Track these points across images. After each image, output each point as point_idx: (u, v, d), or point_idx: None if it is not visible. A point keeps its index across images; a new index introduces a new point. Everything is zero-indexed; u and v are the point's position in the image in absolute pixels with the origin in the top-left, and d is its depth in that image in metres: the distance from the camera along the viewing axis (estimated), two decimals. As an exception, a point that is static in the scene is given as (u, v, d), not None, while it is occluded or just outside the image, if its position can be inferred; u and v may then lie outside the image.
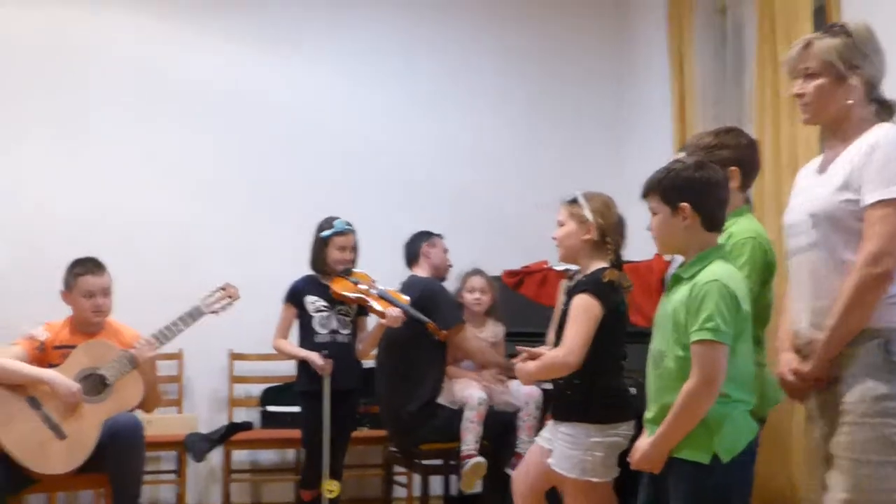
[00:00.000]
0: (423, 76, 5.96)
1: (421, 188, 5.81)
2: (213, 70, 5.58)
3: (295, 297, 4.31)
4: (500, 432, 4.35)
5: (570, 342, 2.99)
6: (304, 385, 4.31)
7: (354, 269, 4.31)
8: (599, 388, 3.03)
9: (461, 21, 6.03)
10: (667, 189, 2.64)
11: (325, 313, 4.25)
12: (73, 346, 3.82)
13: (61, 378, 3.69)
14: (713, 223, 2.64)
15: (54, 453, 3.61)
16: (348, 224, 4.34)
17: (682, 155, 2.91)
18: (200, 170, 5.53)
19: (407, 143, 5.89)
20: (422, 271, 4.63)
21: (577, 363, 2.98)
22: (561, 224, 3.20)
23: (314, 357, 4.15)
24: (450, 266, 4.75)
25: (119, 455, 3.63)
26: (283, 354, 4.45)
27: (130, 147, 5.42)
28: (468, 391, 4.34)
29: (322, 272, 4.31)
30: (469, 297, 4.62)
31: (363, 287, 4.21)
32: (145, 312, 4.00)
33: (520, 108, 6.09)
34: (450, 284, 4.75)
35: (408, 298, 4.30)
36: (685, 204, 2.61)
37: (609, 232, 3.17)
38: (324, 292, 4.26)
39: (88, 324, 3.91)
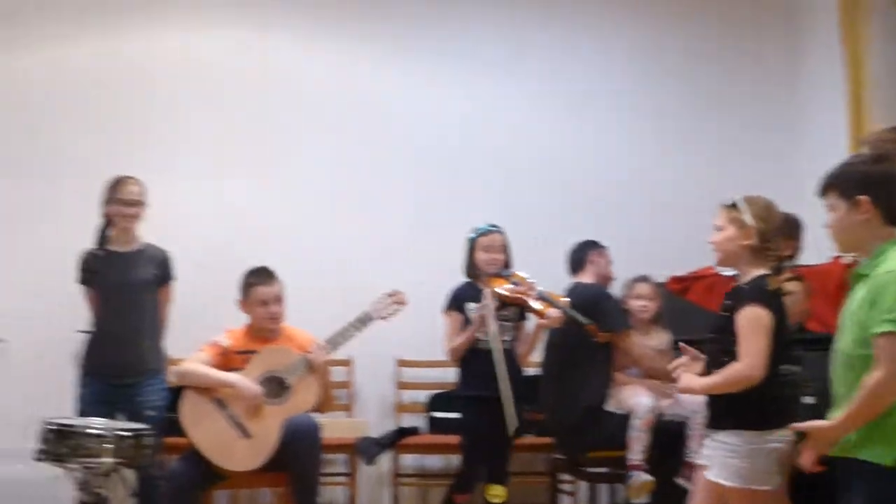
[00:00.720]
0: (579, 82, 5.95)
1: (579, 196, 5.79)
2: (381, 90, 5.78)
3: (456, 303, 4.31)
4: (669, 441, 4.27)
5: (752, 356, 2.91)
6: (464, 389, 4.32)
7: (514, 272, 4.27)
8: (756, 394, 2.94)
9: (618, 23, 5.99)
10: (844, 183, 2.57)
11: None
12: (253, 352, 4.03)
13: (245, 381, 3.90)
14: (894, 216, 2.55)
15: (240, 451, 3.82)
16: (492, 225, 4.33)
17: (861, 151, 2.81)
18: (369, 185, 5.73)
19: (564, 150, 5.88)
20: (586, 278, 4.62)
21: (761, 376, 2.91)
22: (719, 228, 3.12)
23: (492, 326, 4.07)
24: (613, 279, 4.73)
25: (300, 454, 3.79)
26: (455, 355, 4.33)
27: (309, 166, 5.70)
28: (636, 398, 4.29)
29: (475, 277, 4.31)
30: (635, 304, 4.58)
31: (521, 288, 4.20)
32: (319, 321, 4.15)
33: (682, 111, 5.98)
34: (613, 292, 4.72)
35: (567, 299, 4.27)
36: (864, 197, 2.53)
37: (770, 237, 3.07)
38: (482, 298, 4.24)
39: (265, 330, 4.11)
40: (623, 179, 5.86)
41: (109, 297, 4.33)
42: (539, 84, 5.92)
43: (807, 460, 2.64)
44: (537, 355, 4.61)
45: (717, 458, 2.98)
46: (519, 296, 4.15)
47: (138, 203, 4.36)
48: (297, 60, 5.75)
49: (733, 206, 3.10)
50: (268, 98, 5.72)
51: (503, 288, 4.17)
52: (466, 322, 4.30)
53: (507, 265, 4.27)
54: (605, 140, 5.91)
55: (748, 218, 3.05)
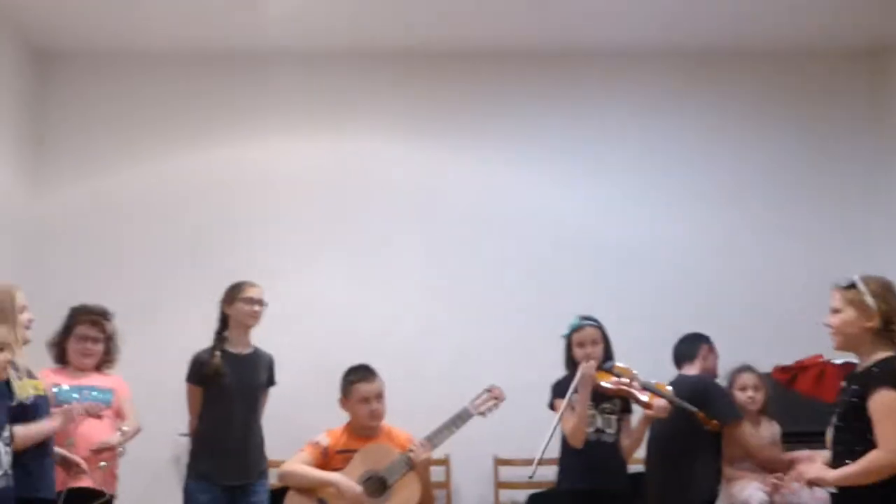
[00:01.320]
0: (665, 172, 6.01)
1: (673, 287, 5.78)
2: (481, 190, 5.94)
3: (561, 391, 4.14)
4: (786, 538, 4.08)
5: (892, 442, 2.80)
6: (567, 483, 4.14)
7: (616, 364, 4.17)
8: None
9: (724, 125, 6.05)
10: None
11: (589, 412, 4.09)
12: (353, 450, 4.01)
13: (346, 480, 3.87)
14: None
15: (344, 551, 3.76)
16: (586, 318, 4.23)
17: None
18: (472, 283, 5.83)
19: (654, 241, 5.92)
20: (691, 371, 4.51)
21: None
22: (836, 311, 3.03)
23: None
24: (718, 375, 4.61)
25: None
26: (579, 429, 4.06)
27: (409, 265, 5.83)
28: (748, 492, 4.14)
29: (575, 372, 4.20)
30: (742, 396, 4.44)
31: (624, 379, 4.10)
32: (422, 420, 4.13)
33: (771, 197, 5.99)
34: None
35: (670, 388, 4.16)
36: None
37: (893, 317, 2.96)
38: None
39: (365, 428, 4.09)
40: (719, 274, 5.83)
41: (226, 398, 4.31)
42: (642, 181, 6.00)
43: None
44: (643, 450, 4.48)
45: None
46: (622, 388, 4.05)
47: (262, 303, 4.43)
48: (392, 160, 5.92)
49: (852, 286, 3.01)
50: (362, 198, 5.87)
51: (605, 381, 4.08)
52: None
53: (608, 357, 4.19)
54: (701, 232, 5.92)
55: (869, 299, 2.96)
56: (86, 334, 4.27)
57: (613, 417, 4.13)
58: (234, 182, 5.84)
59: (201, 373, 4.35)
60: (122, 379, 4.39)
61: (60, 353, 4.29)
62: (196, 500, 4.25)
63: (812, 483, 3.01)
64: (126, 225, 5.77)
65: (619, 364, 4.16)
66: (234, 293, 4.43)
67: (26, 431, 3.38)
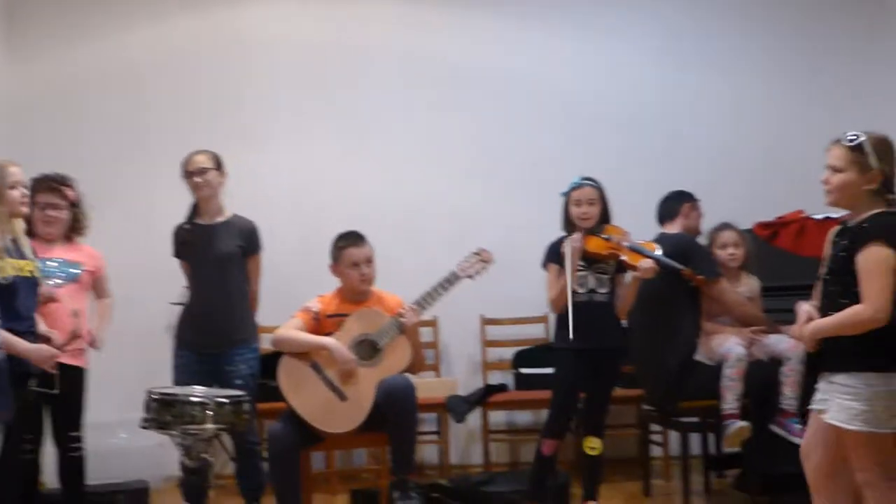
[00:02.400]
0: (678, 35, 5.94)
1: (674, 148, 5.81)
2: (473, 52, 5.83)
3: (555, 256, 4.22)
4: (762, 389, 4.23)
5: (877, 298, 2.81)
6: (559, 341, 4.21)
7: (608, 225, 4.21)
8: (880, 336, 2.85)
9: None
10: None
11: (581, 272, 4.16)
12: (345, 315, 4.09)
13: (338, 345, 3.97)
14: None
15: (337, 414, 3.89)
16: (585, 178, 4.25)
17: None
18: (467, 149, 5.81)
19: (664, 105, 5.90)
20: (673, 229, 4.57)
21: (886, 319, 2.82)
22: (838, 170, 2.94)
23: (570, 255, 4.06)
24: (700, 233, 4.66)
25: (397, 415, 3.85)
26: (559, 300, 4.15)
27: (403, 133, 5.78)
28: (727, 346, 4.26)
29: (571, 231, 4.22)
30: (723, 254, 4.51)
31: (614, 241, 4.15)
32: (417, 285, 4.17)
33: (763, 54, 5.96)
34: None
35: (658, 248, 4.22)
36: None
37: (892, 180, 2.95)
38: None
39: (356, 292, 4.16)
40: (704, 131, 5.87)
41: (197, 269, 4.43)
42: (649, 41, 5.94)
43: None
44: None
45: (835, 402, 2.90)
46: (612, 250, 4.12)
47: (202, 171, 4.37)
48: (384, 28, 5.80)
49: (857, 147, 2.92)
50: (350, 66, 5.78)
51: (597, 246, 4.12)
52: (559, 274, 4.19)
53: (605, 218, 4.22)
54: (699, 91, 5.91)
55: (873, 160, 2.90)
56: (46, 202, 4.14)
57: (606, 277, 4.19)
58: (221, 50, 5.73)
59: (175, 245, 4.48)
60: (93, 250, 4.33)
61: (28, 226, 4.09)
62: (175, 364, 4.42)
63: (796, 336, 3.05)
64: (107, 96, 5.68)
65: (611, 225, 4.20)
66: (182, 167, 4.43)
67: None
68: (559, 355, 4.22)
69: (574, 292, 4.09)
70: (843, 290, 2.91)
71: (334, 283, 4.23)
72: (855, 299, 2.86)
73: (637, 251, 4.12)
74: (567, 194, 4.23)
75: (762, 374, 4.25)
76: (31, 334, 3.59)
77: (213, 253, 4.39)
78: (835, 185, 2.97)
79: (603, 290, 4.18)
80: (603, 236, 4.15)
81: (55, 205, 4.18)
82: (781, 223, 5.01)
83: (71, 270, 4.17)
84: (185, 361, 4.38)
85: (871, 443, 2.87)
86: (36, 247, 3.89)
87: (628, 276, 4.23)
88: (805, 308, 3.04)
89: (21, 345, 3.42)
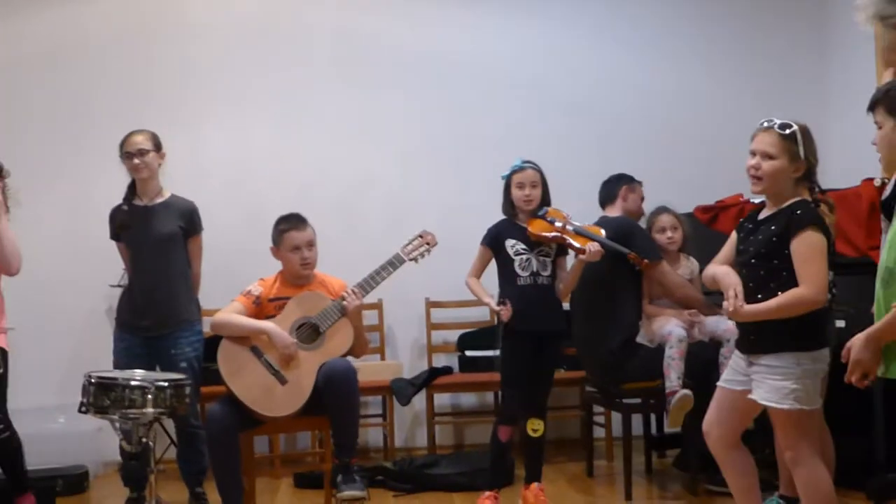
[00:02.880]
0: (621, 20, 5.98)
1: (616, 130, 5.85)
2: (412, 33, 5.81)
3: (492, 240, 4.24)
4: (703, 369, 4.29)
5: (816, 281, 2.88)
6: (503, 324, 4.22)
7: (549, 207, 4.22)
8: (812, 317, 2.93)
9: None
10: (893, 100, 2.56)
11: (524, 256, 4.17)
12: (286, 298, 4.05)
13: (278, 329, 3.93)
14: None
15: (278, 398, 3.86)
16: (526, 161, 4.24)
17: None
18: (407, 130, 5.79)
19: (593, 87, 5.92)
20: (614, 212, 4.61)
21: (825, 301, 2.92)
22: (770, 157, 2.97)
23: (493, 304, 4.12)
24: (642, 214, 4.70)
25: (337, 398, 3.83)
26: (471, 292, 4.28)
27: (341, 114, 5.73)
28: (668, 328, 4.31)
29: (513, 214, 4.25)
30: (661, 237, 4.57)
31: (559, 224, 4.15)
32: (359, 268, 4.15)
33: (700, 40, 6.02)
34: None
35: (603, 232, 4.25)
36: None
37: (814, 170, 3.03)
38: (522, 235, 4.19)
39: (298, 276, 4.12)
40: (648, 115, 5.91)
41: (136, 251, 4.37)
42: (591, 25, 5.97)
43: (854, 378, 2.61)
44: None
45: (765, 383, 2.96)
46: (557, 234, 4.13)
47: (141, 153, 4.31)
48: (323, 8, 5.77)
49: (791, 136, 2.97)
50: (288, 43, 5.73)
51: (542, 229, 4.13)
52: (502, 258, 4.22)
53: (545, 202, 4.23)
54: (635, 78, 5.93)
55: (801, 148, 2.96)
56: None
57: (549, 260, 4.21)
58: (154, 28, 5.63)
59: (112, 227, 4.41)
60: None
61: None
62: (115, 347, 4.35)
63: (733, 316, 3.10)
64: (39, 75, 5.54)
65: (552, 208, 4.21)
66: (120, 148, 4.36)
67: None
68: (503, 338, 4.22)
69: (517, 275, 4.16)
70: (769, 273, 2.97)
71: (276, 264, 4.19)
72: (783, 282, 2.92)
73: (582, 234, 4.13)
74: (508, 177, 4.23)
75: (702, 355, 4.31)
76: None
77: (153, 234, 4.33)
78: (767, 171, 2.99)
79: (545, 273, 4.19)
80: (547, 219, 4.15)
81: None
82: (721, 207, 5.08)
83: None
84: (126, 345, 4.32)
85: (801, 420, 2.95)
86: None
87: (570, 260, 4.27)
88: (733, 280, 3.06)
89: None
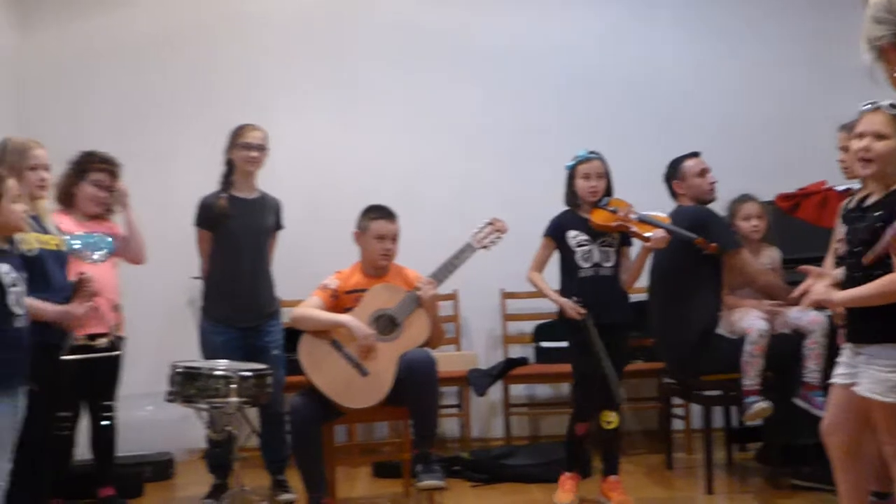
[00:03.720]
0: (686, 3, 5.86)
1: (684, 119, 5.73)
2: (473, 23, 5.80)
3: (555, 231, 4.23)
4: (785, 362, 4.21)
5: None
6: (563, 319, 4.22)
7: (611, 198, 4.19)
8: None
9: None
10: None
11: (586, 247, 4.15)
12: (363, 290, 4.10)
13: (356, 322, 3.98)
14: None
15: (359, 389, 3.91)
16: (592, 152, 4.22)
17: None
18: (469, 120, 5.78)
19: (660, 73, 5.84)
20: (684, 201, 4.52)
21: None
22: (881, 136, 2.84)
23: (568, 305, 4.07)
24: (712, 184, 4.47)
25: (417, 389, 3.86)
26: (535, 288, 4.31)
27: (403, 104, 5.76)
28: (748, 321, 4.21)
29: (575, 205, 4.23)
30: (746, 226, 4.47)
31: (622, 214, 4.11)
32: (424, 258, 4.19)
33: (783, 27, 5.86)
34: (718, 206, 4.59)
35: (668, 218, 4.19)
36: None
37: None
38: (584, 226, 4.17)
39: (376, 267, 4.16)
40: (728, 105, 5.79)
41: (234, 242, 4.39)
42: (654, 8, 5.87)
43: None
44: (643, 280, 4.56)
45: (868, 374, 2.83)
46: (620, 223, 4.10)
47: (262, 148, 4.42)
48: (387, 5, 5.79)
49: None
50: (353, 37, 5.75)
51: (605, 219, 4.11)
52: (563, 250, 4.22)
53: (608, 192, 4.21)
54: (711, 64, 5.85)
55: None
56: (101, 181, 4.22)
57: (611, 250, 4.18)
58: (216, 23, 5.73)
59: (208, 216, 4.41)
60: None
61: (67, 196, 4.21)
62: (212, 342, 4.38)
63: (816, 304, 2.99)
64: (116, 69, 5.69)
65: (615, 198, 4.18)
66: (234, 138, 4.43)
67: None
68: (570, 333, 4.20)
69: (579, 267, 4.16)
70: (876, 262, 2.80)
71: (340, 254, 4.24)
72: (889, 271, 2.76)
73: (647, 222, 4.09)
74: (573, 167, 4.21)
75: (785, 348, 4.22)
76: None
77: (254, 228, 4.42)
78: (879, 152, 2.85)
79: (608, 264, 4.16)
80: (609, 209, 4.12)
81: (108, 187, 4.26)
82: (803, 194, 4.96)
83: (108, 240, 4.16)
84: (225, 338, 4.35)
85: None
86: (74, 221, 4.07)
87: (633, 252, 4.23)
88: (834, 272, 2.97)
89: (49, 311, 3.37)
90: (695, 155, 4.49)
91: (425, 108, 5.76)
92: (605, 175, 4.20)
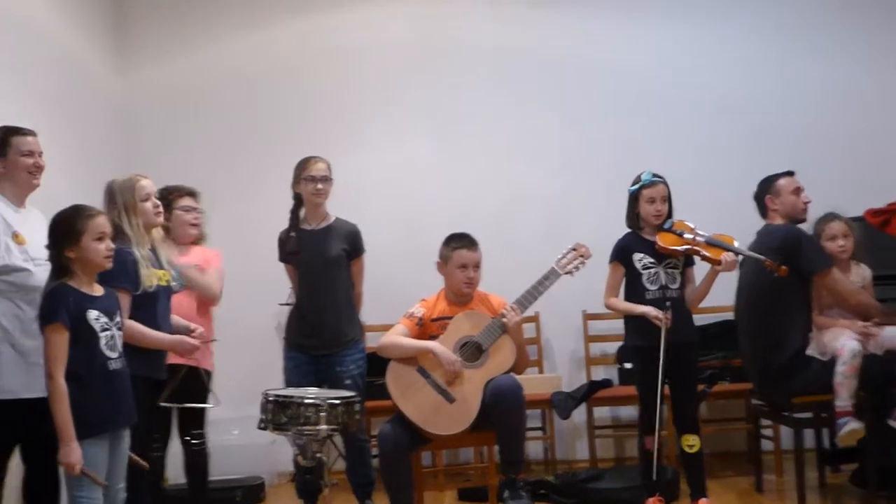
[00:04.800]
0: (756, 15, 5.81)
1: (770, 133, 5.69)
2: (563, 47, 5.84)
3: (621, 254, 4.26)
4: (879, 382, 4.11)
5: None
6: (634, 340, 4.27)
7: (674, 220, 4.21)
8: None
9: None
10: None
11: (652, 269, 4.18)
12: (449, 318, 4.14)
13: (443, 349, 4.02)
14: None
15: (446, 416, 3.95)
16: (655, 175, 4.25)
17: None
18: (561, 145, 5.82)
19: (742, 91, 5.80)
20: (776, 220, 4.46)
21: None
22: None
23: (652, 311, 4.08)
24: (806, 203, 4.43)
25: (505, 415, 3.89)
26: (617, 312, 4.36)
27: (496, 131, 5.82)
28: (840, 341, 4.13)
29: (638, 228, 4.27)
30: (832, 246, 4.37)
31: (689, 237, 4.12)
32: (515, 281, 4.21)
33: (874, 42, 5.77)
34: (807, 226, 4.52)
35: (735, 239, 4.18)
36: None
37: None
38: (649, 248, 4.19)
39: (460, 294, 4.20)
40: (815, 118, 5.71)
41: (305, 274, 4.54)
42: (729, 27, 5.86)
43: None
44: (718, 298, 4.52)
45: None
46: (689, 246, 4.10)
47: (326, 179, 4.51)
48: (473, 26, 5.86)
49: None
50: (443, 63, 5.85)
51: (673, 242, 4.13)
52: (629, 272, 4.24)
53: (669, 214, 4.23)
54: (797, 77, 5.79)
55: None
56: (190, 206, 4.44)
57: (677, 272, 4.21)
58: (317, 54, 5.87)
59: (283, 251, 4.61)
60: (215, 253, 4.54)
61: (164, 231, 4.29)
62: (286, 365, 4.56)
63: None
64: (210, 104, 5.87)
65: (679, 221, 4.18)
66: (298, 171, 4.55)
67: (142, 334, 3.50)
68: (633, 354, 4.29)
69: (646, 290, 4.19)
70: None
71: (432, 280, 4.29)
72: None
73: (715, 245, 4.10)
74: (637, 191, 4.22)
75: (878, 369, 4.13)
76: None
77: (320, 258, 4.50)
78: None
79: (674, 286, 4.19)
80: (676, 231, 4.14)
81: (198, 209, 4.48)
82: (893, 210, 4.84)
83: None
84: (296, 363, 4.51)
85: None
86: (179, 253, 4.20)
87: (698, 270, 4.24)
88: None
89: (165, 339, 3.59)
90: (789, 174, 4.45)
91: (517, 131, 5.82)
92: (668, 198, 4.23)
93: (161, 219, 3.79)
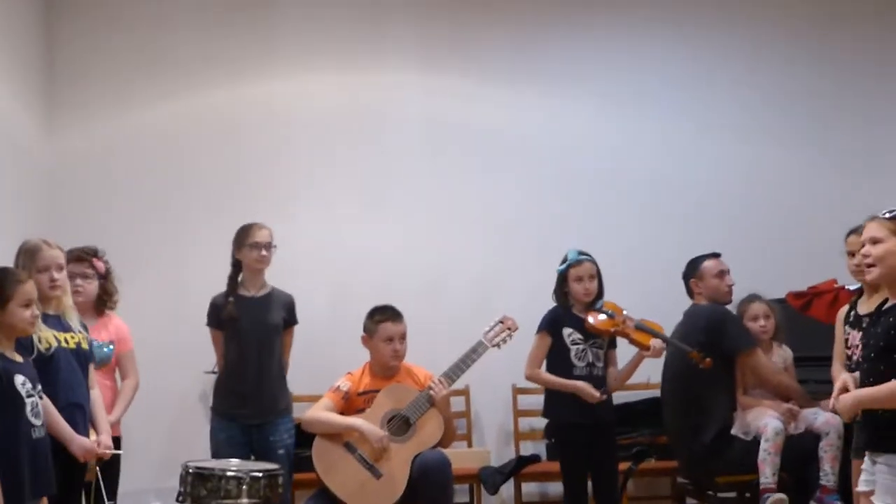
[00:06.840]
0: (693, 102, 5.94)
1: (701, 213, 5.76)
2: (493, 118, 5.83)
3: (552, 325, 4.26)
4: (801, 463, 4.18)
5: None
6: (563, 416, 4.26)
7: (604, 300, 4.26)
8: None
9: (732, 44, 5.95)
10: None
11: (580, 346, 4.21)
12: (375, 391, 4.12)
13: (369, 425, 3.99)
14: None
15: (373, 492, 3.90)
16: (582, 253, 4.31)
17: None
18: (492, 214, 5.79)
19: (671, 172, 5.85)
20: (700, 300, 4.55)
21: None
22: (877, 241, 2.92)
23: (587, 387, 4.09)
24: (729, 286, 4.56)
25: (433, 490, 3.86)
26: (543, 384, 4.33)
27: (426, 198, 5.77)
28: (763, 420, 4.20)
29: (567, 306, 4.29)
30: (754, 326, 4.48)
31: (619, 319, 4.18)
32: (444, 351, 4.20)
33: (788, 126, 5.91)
34: (732, 307, 4.63)
35: (661, 326, 4.26)
36: None
37: None
38: (579, 324, 4.22)
39: (386, 367, 4.19)
40: (740, 201, 5.81)
41: (242, 341, 4.43)
42: (660, 111, 5.91)
43: None
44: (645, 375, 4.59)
45: (881, 483, 2.82)
46: (618, 328, 4.15)
47: (270, 246, 4.47)
48: (404, 96, 5.86)
49: (894, 217, 2.92)
50: (374, 132, 5.82)
51: (603, 324, 4.18)
52: (557, 346, 4.25)
53: (600, 294, 4.27)
54: (723, 161, 5.87)
55: None
56: (73, 272, 3.99)
57: (601, 352, 4.26)
58: (248, 121, 5.80)
59: (217, 317, 4.50)
60: (123, 324, 4.31)
61: None
62: (216, 437, 4.42)
63: (833, 410, 2.98)
64: (139, 167, 5.75)
65: (608, 300, 4.24)
66: (241, 238, 4.49)
67: (48, 414, 3.26)
68: (555, 430, 4.31)
69: (573, 365, 4.19)
70: (891, 368, 2.81)
71: (361, 349, 4.23)
72: None
73: (643, 330, 4.17)
74: (565, 270, 4.26)
75: (800, 449, 4.20)
76: (77, 406, 3.48)
77: (261, 325, 4.44)
78: (877, 255, 2.92)
79: (599, 364, 4.24)
80: (606, 312, 4.19)
81: (84, 274, 4.14)
82: (815, 293, 4.97)
83: (104, 350, 4.14)
84: (228, 435, 4.38)
85: None
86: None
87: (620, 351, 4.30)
88: (843, 377, 2.99)
89: (66, 431, 3.35)
90: (715, 255, 4.56)
91: (446, 201, 5.78)
92: (598, 275, 4.26)
93: (56, 293, 3.51)
